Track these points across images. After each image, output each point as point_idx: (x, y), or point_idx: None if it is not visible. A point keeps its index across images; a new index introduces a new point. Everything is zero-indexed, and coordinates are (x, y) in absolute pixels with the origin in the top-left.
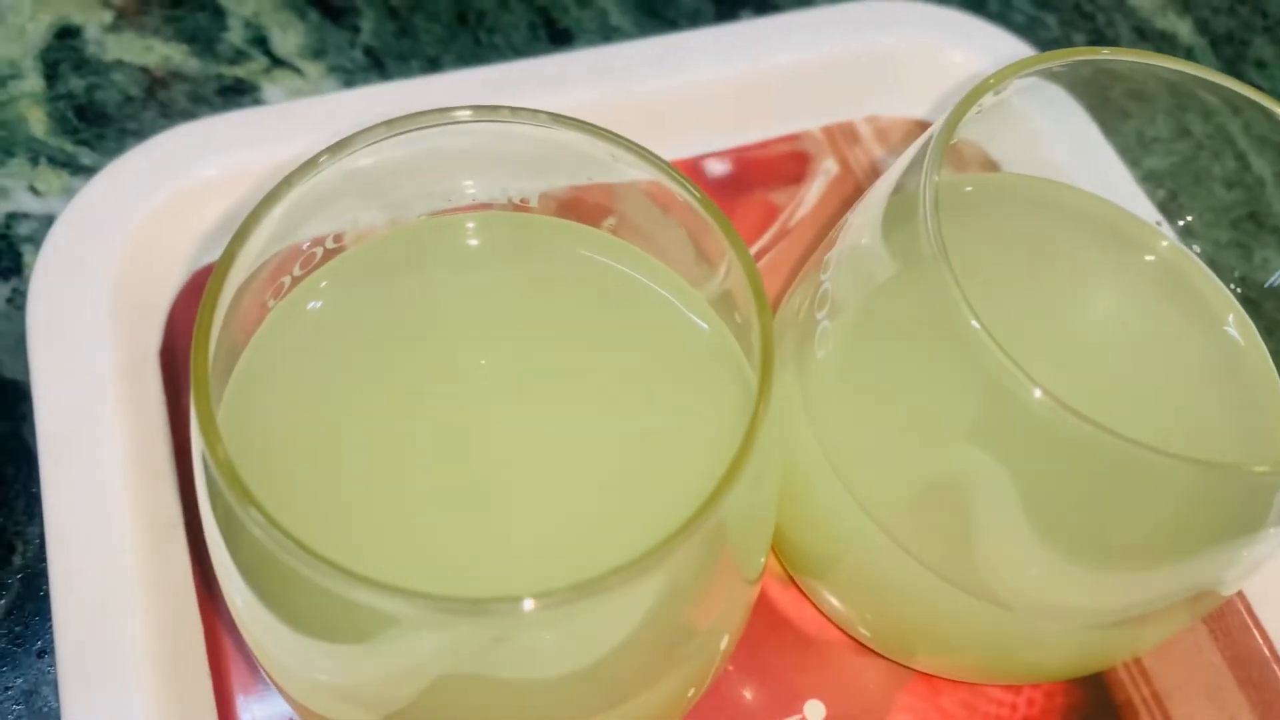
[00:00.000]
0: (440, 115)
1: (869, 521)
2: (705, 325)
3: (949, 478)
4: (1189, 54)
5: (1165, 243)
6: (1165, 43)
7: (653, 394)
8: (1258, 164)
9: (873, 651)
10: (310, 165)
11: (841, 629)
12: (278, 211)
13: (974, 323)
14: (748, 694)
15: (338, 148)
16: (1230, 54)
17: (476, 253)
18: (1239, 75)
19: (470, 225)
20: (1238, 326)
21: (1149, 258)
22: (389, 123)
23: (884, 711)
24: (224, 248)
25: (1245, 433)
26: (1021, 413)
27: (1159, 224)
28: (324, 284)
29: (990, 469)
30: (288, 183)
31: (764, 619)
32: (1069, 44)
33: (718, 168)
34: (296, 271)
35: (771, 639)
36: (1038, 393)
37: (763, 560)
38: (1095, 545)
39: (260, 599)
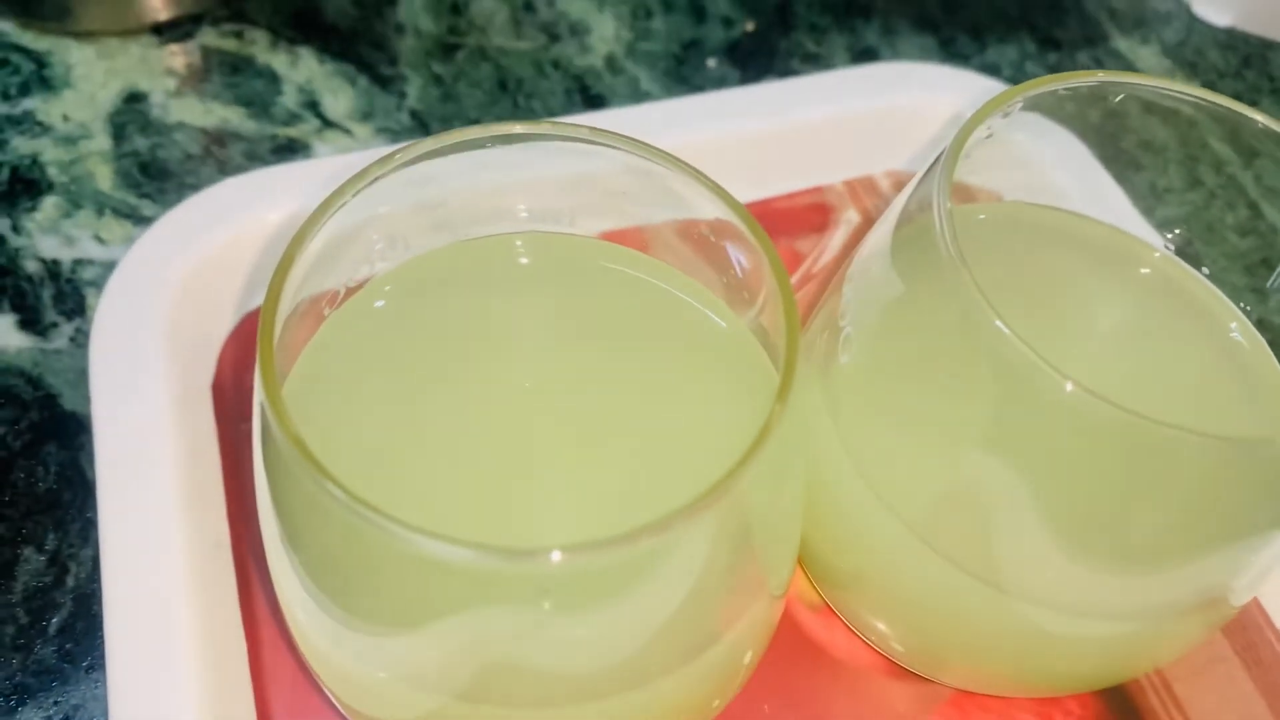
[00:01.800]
0: (484, 130)
1: (896, 523)
2: (741, 342)
3: (974, 476)
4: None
5: (1166, 259)
6: None
7: (690, 405)
8: (1270, 213)
9: (902, 675)
10: (361, 177)
11: (871, 646)
12: (334, 221)
13: (998, 322)
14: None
15: (385, 161)
16: None
17: (526, 269)
18: (1246, 134)
19: (521, 244)
20: (1242, 333)
21: (1152, 273)
22: (436, 136)
23: None
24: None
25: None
26: (1050, 405)
27: (1167, 246)
28: (386, 288)
29: (1015, 466)
30: (340, 194)
31: (792, 643)
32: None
33: None
34: (350, 283)
35: (800, 663)
36: (1069, 385)
37: (786, 573)
38: (1126, 535)
39: (313, 579)
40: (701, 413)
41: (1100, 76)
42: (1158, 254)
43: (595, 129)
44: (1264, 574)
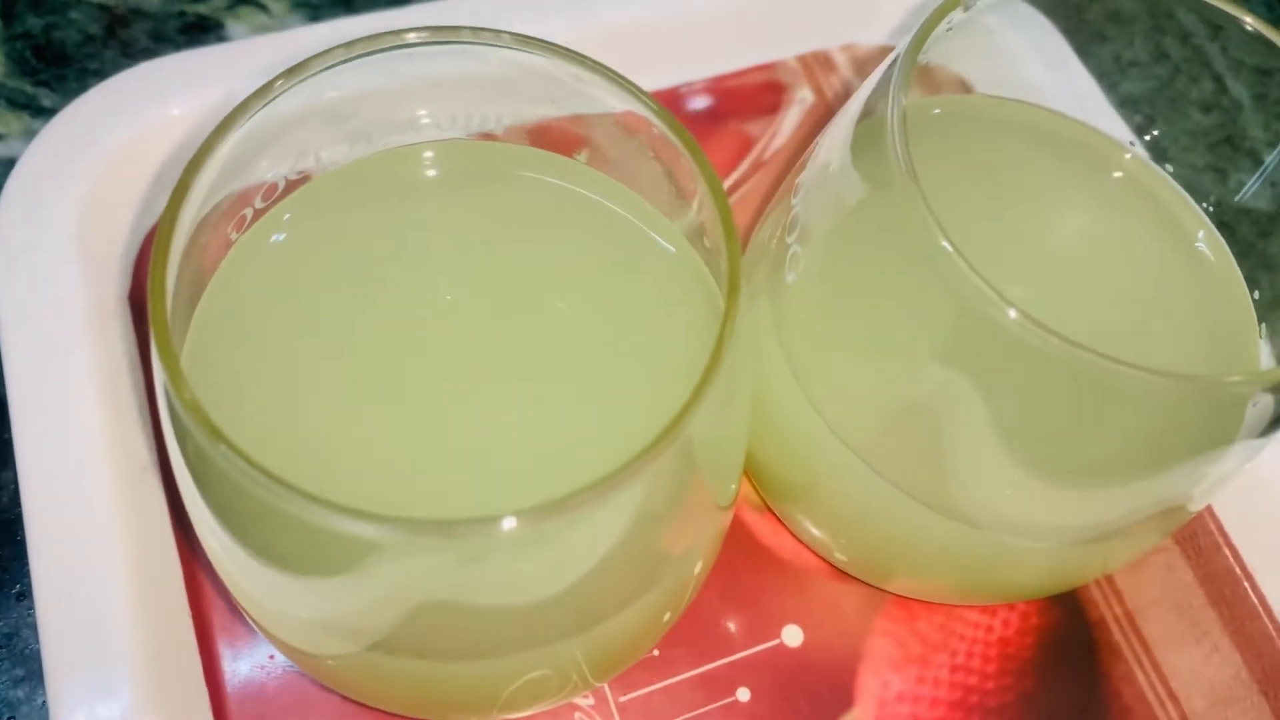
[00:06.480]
0: (399, 36)
1: (840, 445)
2: (675, 251)
3: (919, 399)
4: None
5: (1135, 161)
6: None
7: (623, 320)
8: (1235, 87)
9: (851, 576)
10: (266, 90)
11: (818, 555)
12: (233, 140)
13: (944, 243)
14: (725, 619)
15: (294, 72)
16: None
17: (441, 182)
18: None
19: (435, 155)
20: (1208, 243)
21: (1119, 175)
22: (348, 45)
23: (862, 636)
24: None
25: (1216, 347)
26: (994, 331)
27: (1131, 144)
28: (287, 216)
29: (961, 389)
30: (243, 109)
31: (741, 545)
32: None
33: (692, 98)
34: (258, 204)
35: (749, 565)
36: (1012, 313)
37: (734, 487)
38: (1067, 462)
39: (234, 536)
40: (641, 337)
41: None
42: (1127, 155)
43: (519, 36)
44: (1213, 488)
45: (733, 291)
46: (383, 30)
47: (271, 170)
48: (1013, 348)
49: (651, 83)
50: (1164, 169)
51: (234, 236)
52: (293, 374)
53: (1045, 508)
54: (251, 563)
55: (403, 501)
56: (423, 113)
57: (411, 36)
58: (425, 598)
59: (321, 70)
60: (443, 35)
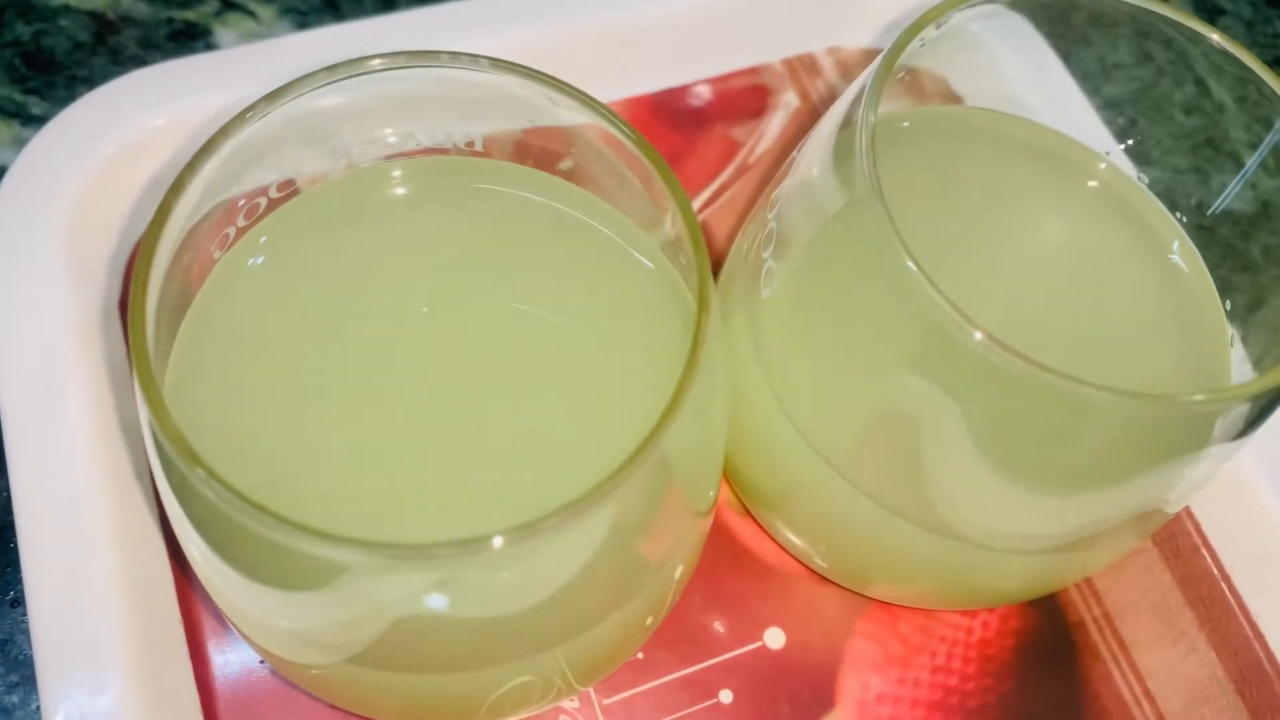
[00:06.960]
0: (378, 61)
1: (817, 458)
2: (652, 266)
3: (892, 414)
4: None
5: (1111, 170)
6: None
7: (602, 334)
8: (1217, 90)
9: (832, 580)
10: (246, 115)
11: (798, 560)
12: (214, 163)
13: (910, 264)
14: (708, 622)
15: (274, 96)
16: None
17: (421, 200)
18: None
19: (415, 172)
20: (1182, 254)
21: (1093, 186)
22: (329, 69)
23: (843, 638)
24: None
25: (1189, 359)
26: (961, 351)
27: (1107, 154)
28: (268, 235)
29: (933, 405)
30: (224, 133)
31: (724, 549)
32: None
33: (678, 102)
34: (241, 222)
35: (731, 569)
36: (977, 334)
37: (712, 494)
38: (1039, 475)
39: (216, 553)
40: (618, 352)
41: None
42: (1102, 165)
43: (496, 60)
44: (1189, 492)
45: (702, 308)
46: (367, 43)
47: (253, 190)
48: (980, 367)
49: (637, 87)
50: (1145, 172)
51: (218, 255)
52: (275, 393)
53: (1020, 518)
54: (234, 578)
55: (385, 518)
56: (404, 130)
57: (390, 61)
58: (406, 616)
59: (302, 94)
60: (421, 60)
